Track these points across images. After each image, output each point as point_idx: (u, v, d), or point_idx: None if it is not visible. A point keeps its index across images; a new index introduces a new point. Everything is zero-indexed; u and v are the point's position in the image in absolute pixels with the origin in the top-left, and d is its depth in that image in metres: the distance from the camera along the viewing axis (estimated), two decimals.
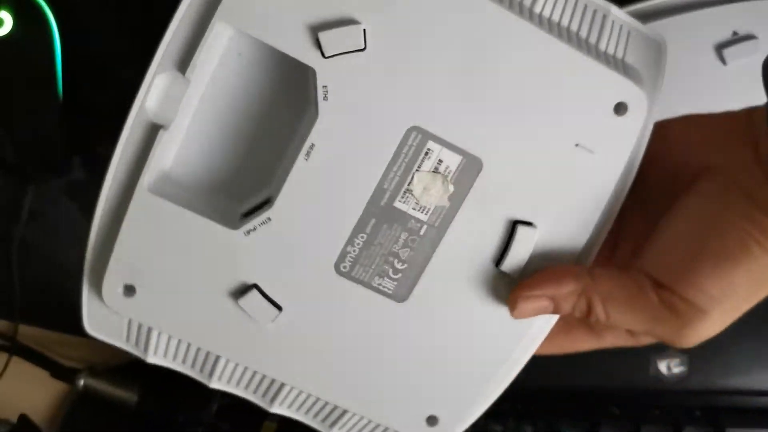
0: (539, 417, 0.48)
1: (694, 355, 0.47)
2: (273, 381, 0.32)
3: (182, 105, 0.28)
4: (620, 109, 0.28)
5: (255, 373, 0.32)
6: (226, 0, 0.26)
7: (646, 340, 0.31)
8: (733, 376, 0.47)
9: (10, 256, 0.50)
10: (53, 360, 0.50)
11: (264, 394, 0.33)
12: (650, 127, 0.29)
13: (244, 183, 0.30)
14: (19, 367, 0.51)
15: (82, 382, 0.49)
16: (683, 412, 0.47)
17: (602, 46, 0.29)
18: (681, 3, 0.40)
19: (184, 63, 0.27)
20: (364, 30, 0.27)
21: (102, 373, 0.50)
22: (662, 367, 0.47)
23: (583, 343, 0.32)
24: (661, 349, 0.47)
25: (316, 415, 0.33)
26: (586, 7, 0.29)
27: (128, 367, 0.51)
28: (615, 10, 0.29)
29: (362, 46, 0.27)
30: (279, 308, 0.30)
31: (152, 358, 0.32)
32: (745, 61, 0.39)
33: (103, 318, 0.31)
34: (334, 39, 0.26)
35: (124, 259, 0.29)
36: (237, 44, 0.29)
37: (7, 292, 0.51)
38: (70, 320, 0.51)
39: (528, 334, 0.30)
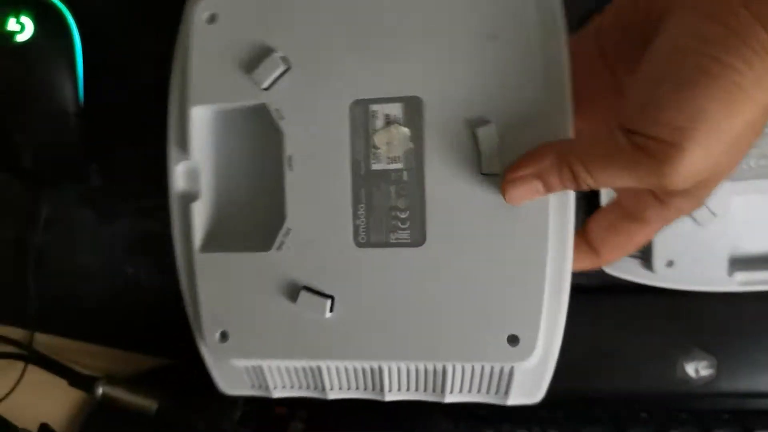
0: (565, 422, 0.47)
1: (722, 358, 0.46)
2: (372, 370, 0.35)
3: (202, 177, 0.35)
4: None
5: (355, 369, 0.35)
6: (191, 90, 0.34)
7: (674, 203, 0.30)
8: (762, 378, 0.46)
9: (26, 263, 0.50)
10: (70, 368, 0.50)
11: (373, 388, 0.35)
12: None
13: (262, 211, 0.35)
14: (36, 375, 0.50)
15: (100, 391, 0.48)
16: (712, 416, 0.46)
17: None
18: None
19: (183, 144, 0.35)
20: (281, 55, 0.32)
21: (120, 381, 0.49)
22: (690, 370, 0.46)
23: (637, 233, 0.32)
24: (689, 351, 0.47)
25: (425, 388, 0.35)
26: None
27: (147, 375, 0.51)
28: None
29: (286, 67, 0.33)
30: (330, 297, 0.33)
31: (276, 393, 0.37)
32: None
33: (228, 375, 0.37)
34: (263, 73, 0.32)
35: (209, 312, 0.35)
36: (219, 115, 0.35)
37: (23, 300, 0.50)
38: (87, 328, 0.52)
39: (551, 223, 0.31)
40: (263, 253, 0.33)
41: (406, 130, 0.32)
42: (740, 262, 0.45)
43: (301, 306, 0.33)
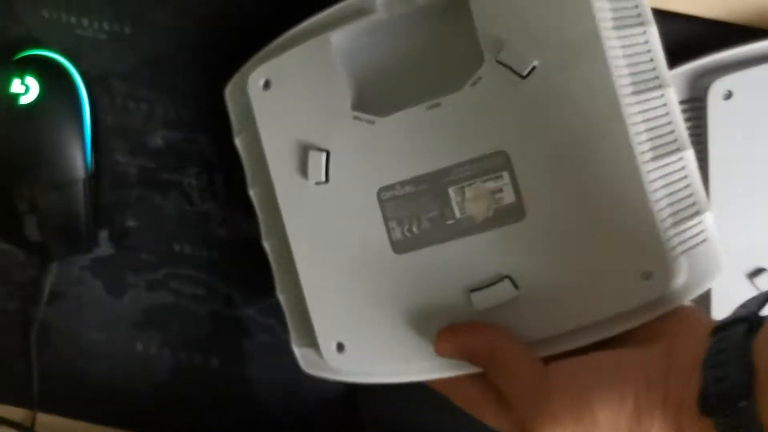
0: None
1: None
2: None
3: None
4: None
5: None
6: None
7: None
8: None
9: (29, 340, 0.47)
10: None
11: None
12: None
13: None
14: None
15: None
16: None
17: None
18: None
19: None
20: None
21: None
22: None
23: None
24: None
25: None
26: None
27: None
28: None
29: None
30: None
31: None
32: None
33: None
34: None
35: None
36: None
37: (26, 378, 0.48)
38: (93, 408, 0.49)
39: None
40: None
41: (491, 213, 0.35)
42: None
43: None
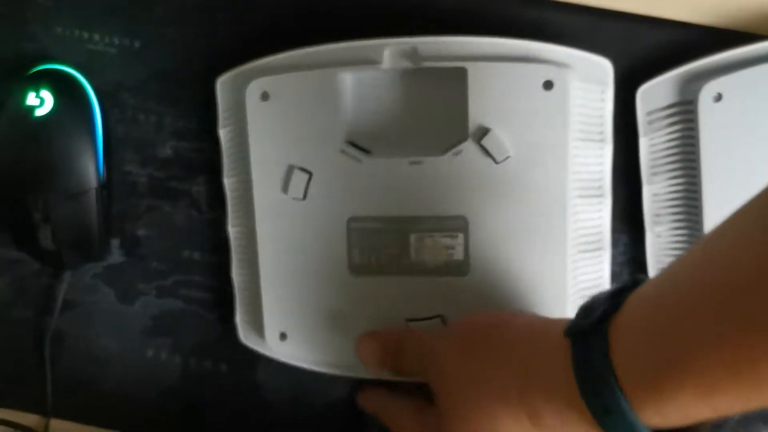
0: None
1: None
2: None
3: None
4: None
5: None
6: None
7: None
8: None
9: (43, 347, 0.48)
10: None
11: None
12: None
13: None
14: None
15: None
16: None
17: None
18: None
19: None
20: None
21: None
22: None
23: None
24: None
25: None
26: None
27: None
28: None
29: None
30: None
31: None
32: None
33: None
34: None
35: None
36: None
37: (40, 385, 0.49)
38: (105, 414, 0.50)
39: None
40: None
41: (440, 259, 0.41)
42: None
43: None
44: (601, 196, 0.41)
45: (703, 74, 0.39)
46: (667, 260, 0.42)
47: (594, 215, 0.41)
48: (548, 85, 0.38)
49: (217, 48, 0.44)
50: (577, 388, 0.29)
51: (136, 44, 0.45)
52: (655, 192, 0.41)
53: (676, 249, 0.42)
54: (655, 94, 0.40)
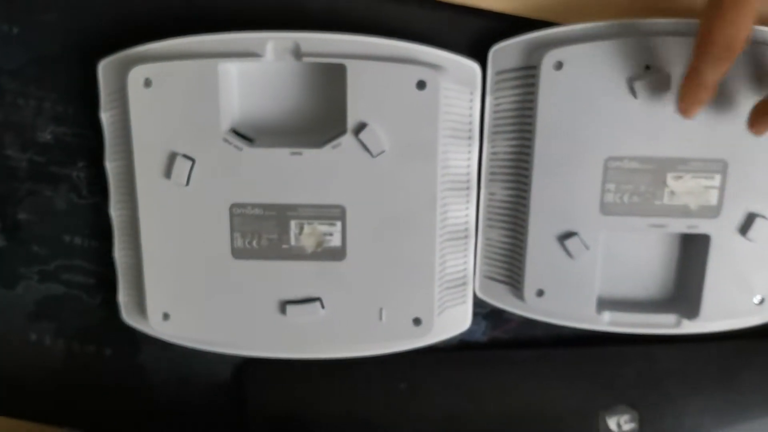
0: None
1: (644, 412, 0.46)
2: None
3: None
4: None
5: None
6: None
7: None
8: (685, 429, 0.46)
9: None
10: None
11: None
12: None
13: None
14: None
15: None
16: None
17: None
18: (598, 32, 0.42)
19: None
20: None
21: None
22: (612, 424, 0.46)
23: None
24: (610, 406, 0.47)
25: None
26: None
27: None
28: None
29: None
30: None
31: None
32: (654, 94, 0.40)
33: None
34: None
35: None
36: None
37: None
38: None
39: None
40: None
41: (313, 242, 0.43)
42: (608, 302, 0.45)
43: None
44: (468, 189, 0.44)
45: (546, 43, 0.41)
46: (498, 219, 0.45)
47: (461, 206, 0.44)
48: (421, 84, 0.40)
49: (100, 33, 0.44)
50: None
51: (15, 30, 0.44)
52: (494, 151, 0.44)
53: (506, 209, 0.44)
54: (505, 56, 0.42)
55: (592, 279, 0.44)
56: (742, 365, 0.47)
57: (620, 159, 0.42)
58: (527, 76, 0.42)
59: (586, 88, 0.41)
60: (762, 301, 0.43)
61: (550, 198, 0.42)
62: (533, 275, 0.44)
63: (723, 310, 0.44)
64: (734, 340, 0.46)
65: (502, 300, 0.46)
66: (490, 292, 0.46)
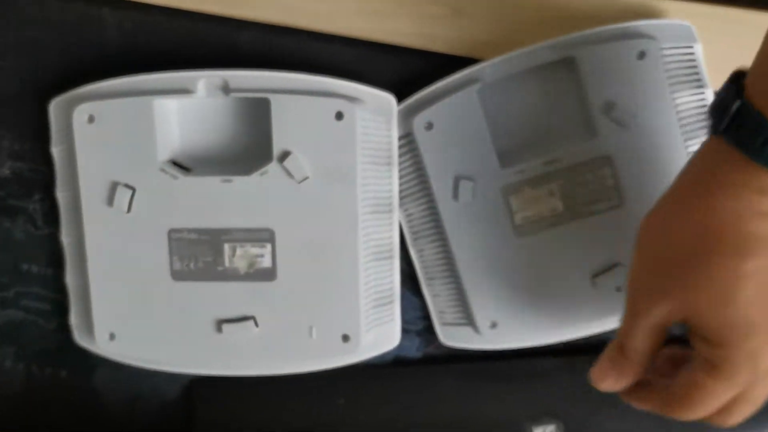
0: None
1: (569, 422, 0.48)
2: None
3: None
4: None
5: None
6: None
7: None
8: None
9: None
10: None
11: None
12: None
13: None
14: None
15: None
16: None
17: None
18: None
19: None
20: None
21: None
22: None
23: None
24: (536, 417, 0.49)
25: None
26: None
27: None
28: None
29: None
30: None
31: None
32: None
33: None
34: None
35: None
36: None
37: None
38: None
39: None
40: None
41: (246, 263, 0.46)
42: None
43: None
44: (390, 212, 0.47)
45: (417, 107, 0.46)
46: (435, 271, 0.48)
47: (384, 228, 0.47)
48: (339, 115, 0.43)
49: (51, 75, 0.48)
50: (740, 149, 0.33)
51: None
52: (409, 213, 0.48)
53: (439, 260, 0.48)
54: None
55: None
56: None
57: None
58: (410, 142, 0.46)
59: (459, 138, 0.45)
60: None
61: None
62: (481, 311, 0.47)
63: None
64: None
65: (465, 340, 0.49)
66: (450, 336, 0.49)
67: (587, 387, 0.49)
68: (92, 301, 0.47)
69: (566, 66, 0.45)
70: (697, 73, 0.45)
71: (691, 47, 0.45)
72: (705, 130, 0.45)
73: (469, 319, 0.48)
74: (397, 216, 0.47)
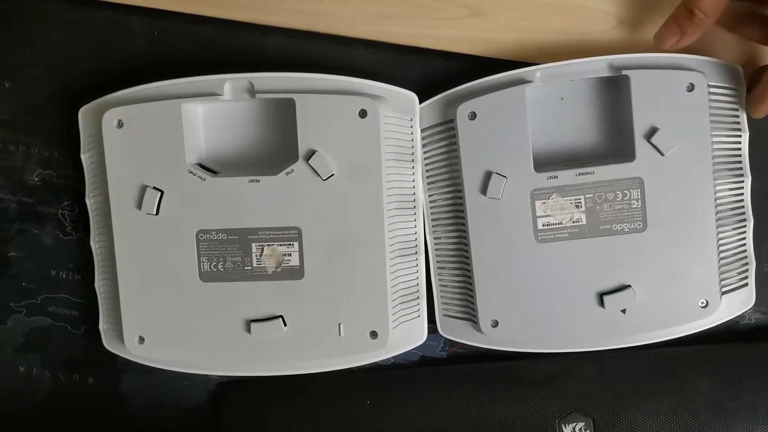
0: None
1: (599, 419, 0.48)
2: None
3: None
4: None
5: None
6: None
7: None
8: None
9: None
10: None
11: None
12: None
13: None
14: None
15: None
16: None
17: None
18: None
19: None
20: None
21: None
22: None
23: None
24: (566, 413, 0.48)
25: None
26: None
27: None
28: None
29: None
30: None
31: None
32: None
33: None
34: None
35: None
36: None
37: None
38: None
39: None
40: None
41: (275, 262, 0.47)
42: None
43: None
44: (414, 208, 0.47)
45: (459, 98, 0.46)
46: (447, 261, 0.49)
47: (409, 224, 0.47)
48: (363, 113, 0.44)
49: (80, 83, 0.49)
50: None
51: (6, 84, 0.49)
52: (434, 199, 0.48)
53: (453, 252, 0.48)
54: (426, 115, 0.47)
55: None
56: (690, 370, 0.49)
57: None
58: (447, 129, 0.47)
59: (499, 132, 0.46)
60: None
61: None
62: (486, 308, 0.47)
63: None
64: (682, 347, 0.49)
65: (464, 335, 0.49)
66: (451, 330, 0.49)
67: (617, 384, 0.49)
68: (121, 305, 0.47)
69: (618, 84, 0.46)
70: (737, 116, 0.46)
71: (736, 90, 0.46)
72: (733, 173, 0.46)
73: (471, 315, 0.48)
74: (421, 212, 0.48)
